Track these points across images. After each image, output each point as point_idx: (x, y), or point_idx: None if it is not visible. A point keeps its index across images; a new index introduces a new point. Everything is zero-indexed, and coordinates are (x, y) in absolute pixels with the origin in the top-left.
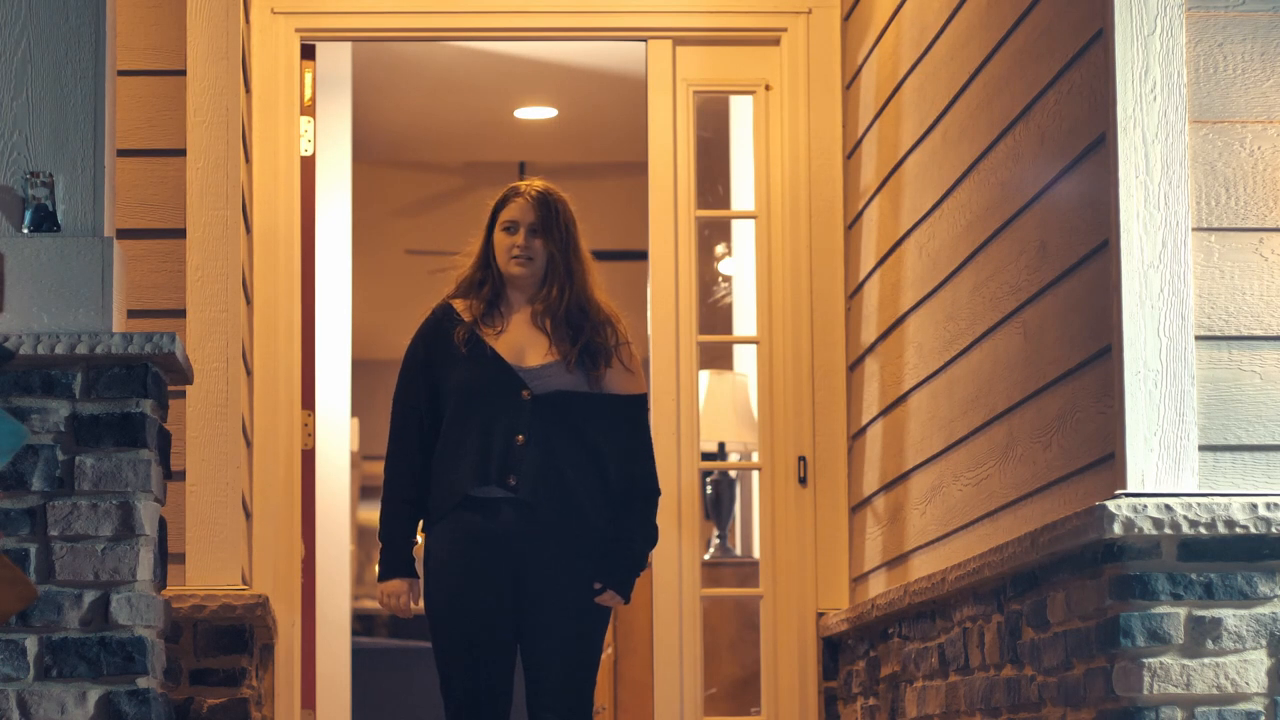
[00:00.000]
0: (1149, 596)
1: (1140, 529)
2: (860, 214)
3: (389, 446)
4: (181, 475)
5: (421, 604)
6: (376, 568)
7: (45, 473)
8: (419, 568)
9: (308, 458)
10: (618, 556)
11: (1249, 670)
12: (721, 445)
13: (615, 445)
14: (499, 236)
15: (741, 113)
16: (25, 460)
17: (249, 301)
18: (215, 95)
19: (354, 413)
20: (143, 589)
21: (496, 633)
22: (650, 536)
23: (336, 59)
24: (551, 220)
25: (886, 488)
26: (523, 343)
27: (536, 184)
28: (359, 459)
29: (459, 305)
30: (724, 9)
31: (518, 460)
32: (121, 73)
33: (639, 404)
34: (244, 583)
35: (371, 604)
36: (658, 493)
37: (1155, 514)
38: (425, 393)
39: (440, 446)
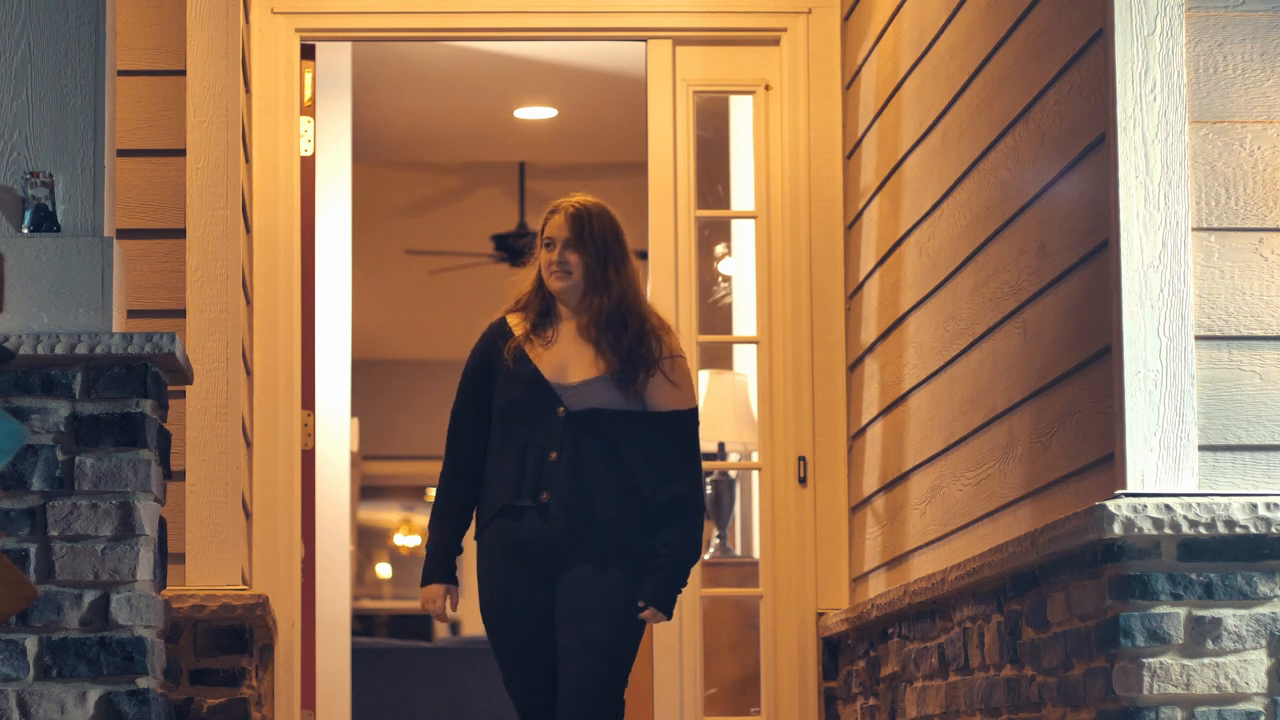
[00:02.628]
0: (1149, 596)
1: (1140, 529)
2: (860, 214)
3: (444, 456)
4: (181, 475)
5: (457, 610)
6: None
7: (45, 473)
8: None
9: (308, 458)
10: (658, 573)
11: (1249, 670)
12: (721, 445)
13: (654, 462)
14: (541, 254)
15: (741, 113)
16: (25, 460)
17: (249, 301)
18: (215, 95)
19: (354, 413)
20: (143, 589)
21: (536, 637)
22: (693, 553)
23: (336, 59)
24: (586, 233)
25: (886, 488)
26: (567, 358)
27: (575, 199)
28: (359, 459)
29: (512, 320)
30: (724, 9)
31: (550, 477)
32: (121, 73)
33: (682, 420)
34: (244, 583)
35: (371, 604)
36: (702, 509)
37: (1155, 514)
38: (477, 405)
39: (488, 460)
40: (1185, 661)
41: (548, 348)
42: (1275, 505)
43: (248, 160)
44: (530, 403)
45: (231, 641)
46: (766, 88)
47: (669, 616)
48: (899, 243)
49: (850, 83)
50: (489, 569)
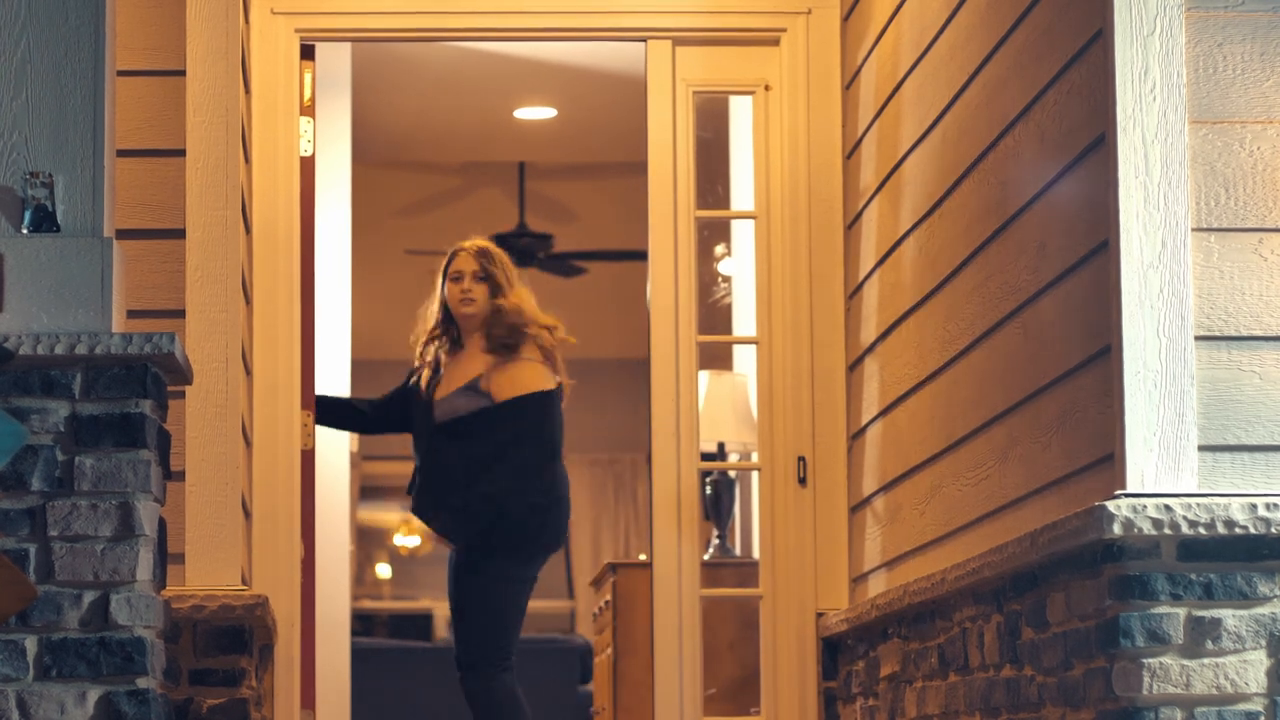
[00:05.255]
0: (1149, 596)
1: (1140, 529)
2: (860, 214)
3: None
4: (181, 475)
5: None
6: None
7: (45, 473)
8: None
9: (307, 458)
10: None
11: (1249, 670)
12: (721, 445)
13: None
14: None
15: (741, 113)
16: (25, 460)
17: (249, 301)
18: (215, 95)
19: None
20: (142, 589)
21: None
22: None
23: (336, 59)
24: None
25: (886, 488)
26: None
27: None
28: (359, 459)
29: None
30: (724, 9)
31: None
32: (121, 73)
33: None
34: (244, 583)
35: (371, 604)
36: (546, 458)
37: (1155, 514)
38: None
39: None
40: (1185, 662)
41: None
42: (1275, 505)
43: (248, 160)
44: None
45: (231, 641)
46: (766, 88)
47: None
48: (899, 243)
49: (850, 83)
50: None
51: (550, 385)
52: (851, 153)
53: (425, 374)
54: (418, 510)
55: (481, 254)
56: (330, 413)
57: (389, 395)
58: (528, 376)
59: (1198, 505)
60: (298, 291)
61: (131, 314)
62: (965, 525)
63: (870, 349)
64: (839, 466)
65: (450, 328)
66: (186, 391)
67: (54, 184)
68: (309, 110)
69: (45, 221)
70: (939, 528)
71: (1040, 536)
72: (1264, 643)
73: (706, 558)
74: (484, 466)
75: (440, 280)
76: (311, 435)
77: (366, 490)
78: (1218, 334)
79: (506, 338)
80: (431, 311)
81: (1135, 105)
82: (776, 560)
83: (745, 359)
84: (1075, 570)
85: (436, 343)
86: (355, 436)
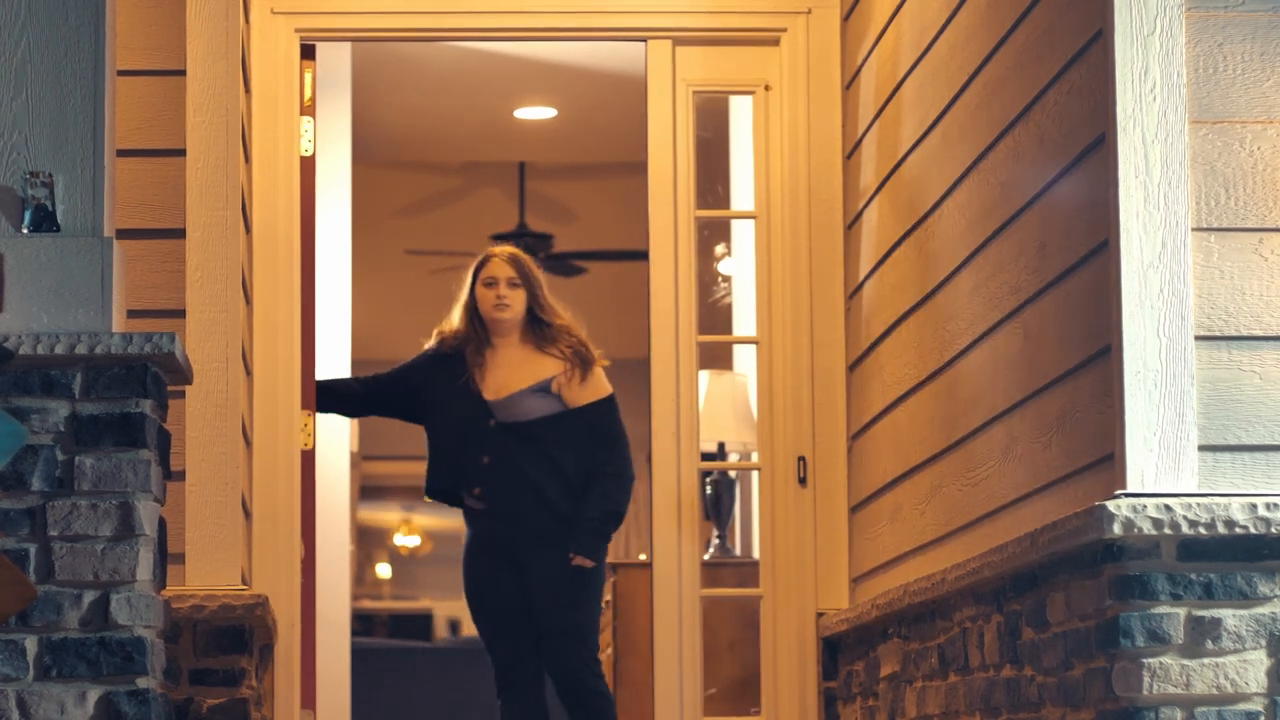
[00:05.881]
0: (1149, 596)
1: (1140, 529)
2: (860, 214)
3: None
4: (181, 475)
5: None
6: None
7: (45, 473)
8: None
9: (307, 458)
10: (578, 528)
11: (1249, 670)
12: (721, 445)
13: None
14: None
15: (741, 113)
16: (25, 460)
17: (249, 301)
18: (215, 95)
19: None
20: (142, 589)
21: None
22: (609, 511)
23: (336, 59)
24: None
25: (886, 488)
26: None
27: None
28: (359, 459)
29: None
30: (724, 9)
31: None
32: (121, 73)
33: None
34: (244, 583)
35: (371, 604)
36: (624, 476)
37: (1155, 514)
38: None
39: None
40: (1185, 662)
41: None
42: (1275, 505)
43: (248, 160)
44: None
45: (231, 641)
46: (766, 88)
47: (592, 560)
48: (899, 243)
49: (850, 83)
50: None
51: (611, 390)
52: (851, 153)
53: (466, 374)
54: (448, 488)
55: (515, 260)
56: (323, 396)
57: (386, 377)
58: (597, 382)
59: (1198, 505)
60: (298, 291)
61: (131, 314)
62: (965, 525)
63: (870, 349)
64: (839, 466)
65: (477, 330)
66: (186, 391)
67: (54, 184)
68: (309, 110)
69: (45, 221)
70: (939, 528)
71: (1040, 536)
72: (1264, 643)
73: (706, 558)
74: (560, 470)
75: (469, 284)
76: (312, 435)
77: (366, 490)
78: (1218, 334)
79: (580, 346)
80: (457, 314)
81: (1135, 105)
82: (776, 560)
83: (745, 359)
84: (1075, 570)
85: (460, 342)
86: (356, 436)
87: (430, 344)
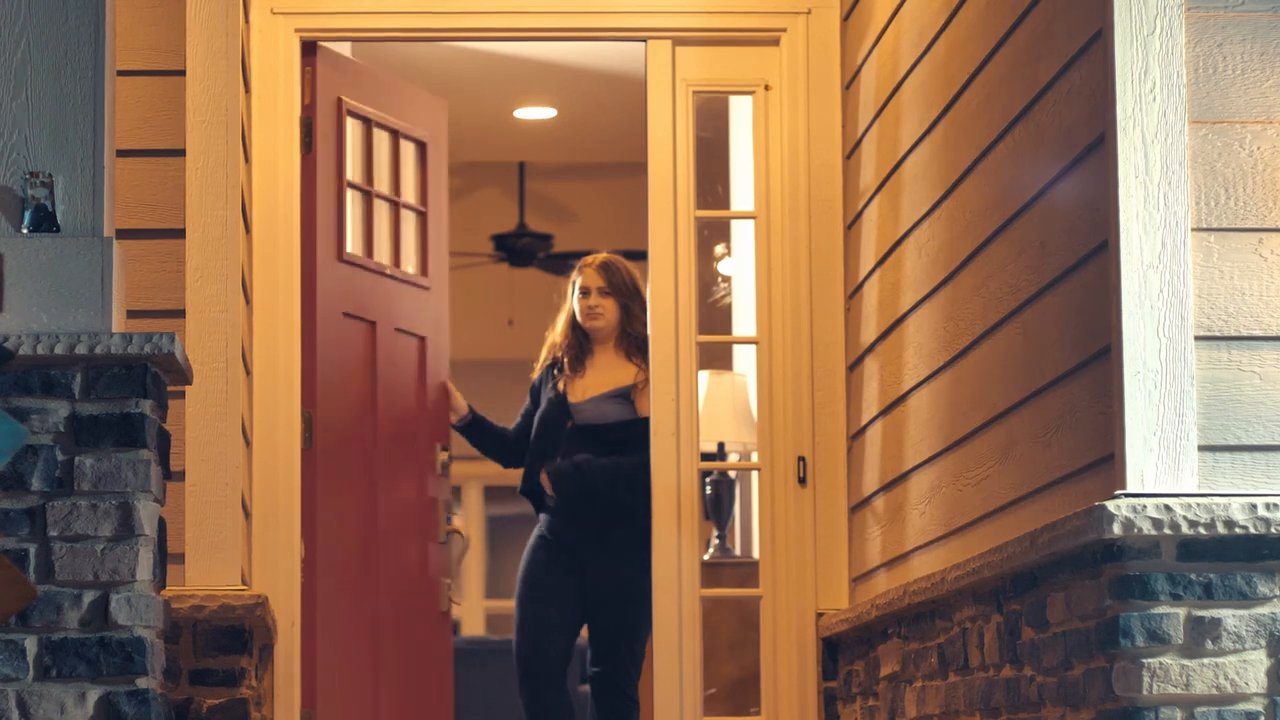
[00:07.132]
0: (1148, 597)
1: (1140, 529)
2: (860, 214)
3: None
4: (181, 475)
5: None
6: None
7: (45, 473)
8: None
9: (308, 458)
10: (574, 462)
11: (1248, 670)
12: (721, 445)
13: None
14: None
15: (741, 113)
16: (25, 460)
17: (249, 301)
18: (215, 95)
19: None
20: (142, 589)
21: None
22: (600, 477)
23: None
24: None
25: (886, 488)
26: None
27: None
28: None
29: None
30: (724, 9)
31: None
32: (121, 73)
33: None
34: (243, 583)
35: None
36: (636, 475)
37: (1155, 514)
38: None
39: None
40: (1185, 662)
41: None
42: (1275, 505)
43: (248, 160)
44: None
45: (231, 642)
46: (766, 88)
47: (553, 486)
48: (899, 243)
49: (850, 83)
50: None
51: None
52: (851, 153)
53: (561, 378)
54: (536, 488)
55: (604, 268)
56: (484, 435)
57: (523, 420)
58: None
59: (1198, 505)
60: (298, 292)
61: (131, 314)
62: (965, 525)
63: (870, 349)
64: (839, 466)
65: (579, 339)
66: (186, 391)
67: (54, 184)
68: (310, 110)
69: (45, 221)
70: (939, 528)
71: (1040, 536)
72: (1264, 643)
73: (706, 558)
74: (628, 476)
75: (570, 294)
76: (312, 435)
77: None
78: (1218, 334)
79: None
80: (560, 323)
81: (1135, 105)
82: (776, 560)
83: (745, 359)
84: (1075, 570)
85: (563, 352)
86: None
87: (541, 361)
